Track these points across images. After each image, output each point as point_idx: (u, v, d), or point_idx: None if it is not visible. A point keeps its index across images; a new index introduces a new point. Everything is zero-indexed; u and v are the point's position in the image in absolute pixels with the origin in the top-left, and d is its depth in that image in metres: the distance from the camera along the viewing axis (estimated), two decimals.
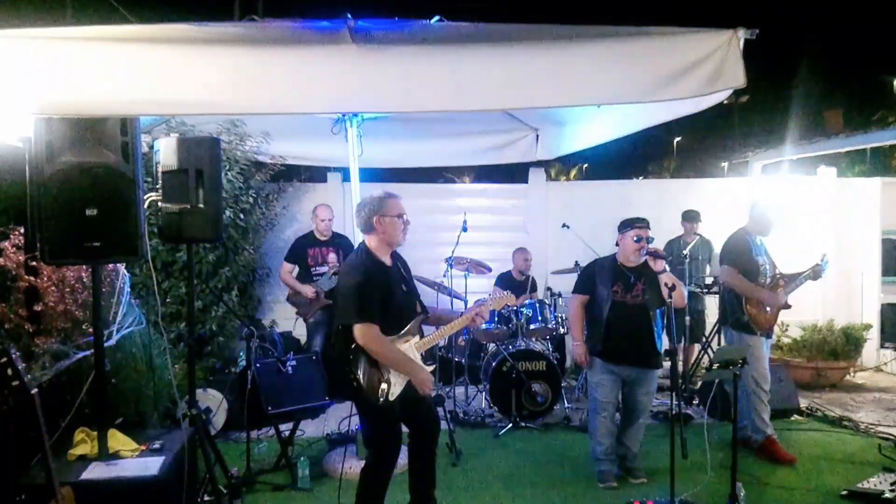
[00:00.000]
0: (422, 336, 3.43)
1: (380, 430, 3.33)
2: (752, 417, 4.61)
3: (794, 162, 8.37)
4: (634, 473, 4.35)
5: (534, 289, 6.64)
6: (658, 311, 4.23)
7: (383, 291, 3.21)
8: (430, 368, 3.38)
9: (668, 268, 4.17)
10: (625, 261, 4.28)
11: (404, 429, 3.45)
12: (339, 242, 6.00)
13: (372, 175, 6.20)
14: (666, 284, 4.02)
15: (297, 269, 6.00)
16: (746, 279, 4.61)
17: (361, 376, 3.17)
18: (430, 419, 3.52)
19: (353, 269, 3.30)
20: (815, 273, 4.84)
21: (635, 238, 4.17)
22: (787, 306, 4.73)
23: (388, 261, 3.37)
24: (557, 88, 3.03)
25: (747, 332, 4.60)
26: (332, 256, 5.85)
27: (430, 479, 3.56)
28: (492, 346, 6.06)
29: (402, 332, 3.31)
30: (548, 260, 7.33)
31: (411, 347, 3.34)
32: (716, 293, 6.41)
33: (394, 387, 3.22)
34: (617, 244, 4.37)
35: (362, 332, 3.11)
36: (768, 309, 4.62)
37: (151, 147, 3.74)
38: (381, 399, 3.19)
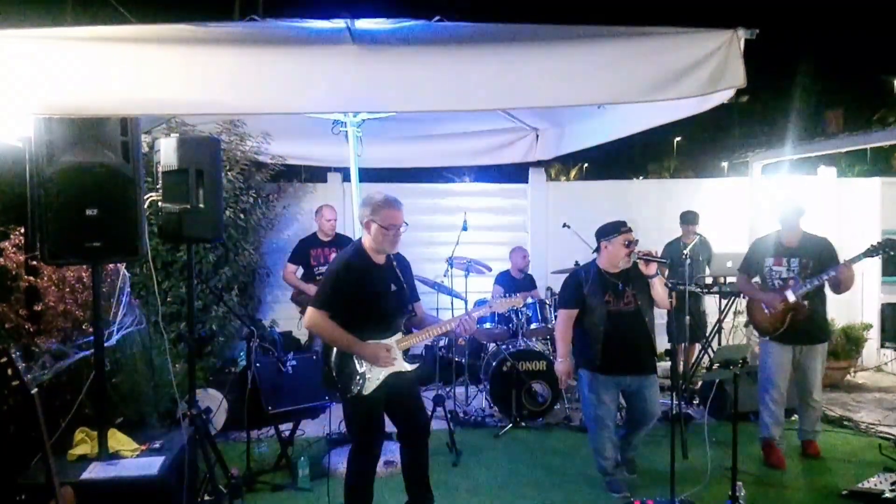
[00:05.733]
0: (405, 334, 3.46)
1: (355, 420, 3.38)
2: (761, 415, 4.65)
3: (794, 162, 8.32)
4: (629, 467, 4.29)
5: (533, 287, 6.64)
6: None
7: (359, 288, 3.26)
8: (412, 367, 3.41)
9: (658, 271, 4.02)
10: (609, 267, 4.07)
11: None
12: (340, 243, 6.03)
13: (372, 175, 6.20)
14: (667, 285, 3.99)
15: (300, 269, 6.11)
16: (756, 283, 4.73)
17: (333, 366, 3.28)
18: (418, 421, 3.50)
19: (337, 261, 3.44)
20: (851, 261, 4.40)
21: (625, 243, 3.97)
22: (795, 306, 4.37)
23: (379, 259, 3.39)
24: (558, 88, 3.03)
25: (760, 335, 4.73)
26: (333, 256, 5.87)
27: (422, 481, 3.54)
28: (492, 346, 6.06)
29: (385, 326, 3.36)
30: (548, 260, 7.34)
31: (391, 343, 3.36)
32: (716, 293, 6.43)
33: (368, 381, 3.27)
34: (597, 251, 4.16)
35: (309, 315, 3.25)
36: (766, 310, 4.58)
37: (151, 147, 3.74)
38: (356, 391, 3.25)
